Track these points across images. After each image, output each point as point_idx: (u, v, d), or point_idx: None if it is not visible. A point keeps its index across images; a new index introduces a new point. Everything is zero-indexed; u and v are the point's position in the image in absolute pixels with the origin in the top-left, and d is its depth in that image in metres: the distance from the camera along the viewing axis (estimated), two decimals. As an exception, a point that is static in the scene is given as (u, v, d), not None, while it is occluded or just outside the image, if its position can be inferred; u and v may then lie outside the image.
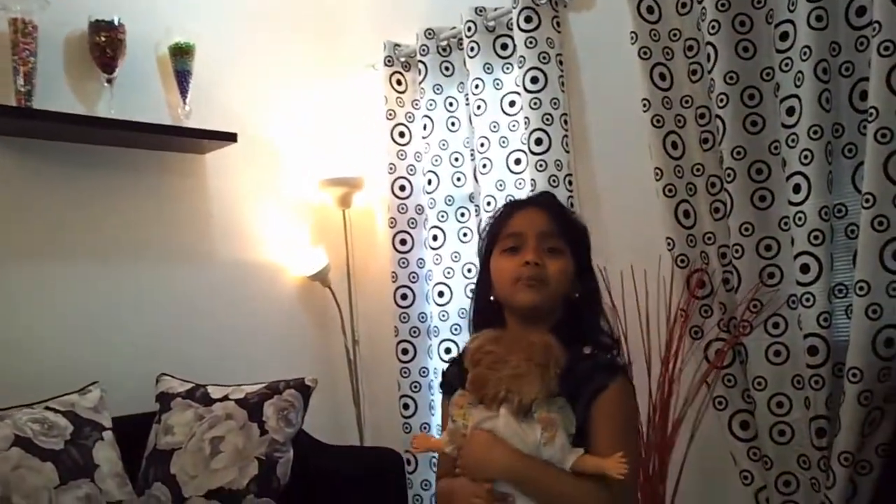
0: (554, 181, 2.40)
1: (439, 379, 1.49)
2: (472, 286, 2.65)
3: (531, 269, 1.28)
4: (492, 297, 1.37)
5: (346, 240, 2.97)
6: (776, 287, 2.02)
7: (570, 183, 2.41)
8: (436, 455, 2.13)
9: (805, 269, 1.90)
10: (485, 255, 1.44)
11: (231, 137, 2.66)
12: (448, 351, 2.73)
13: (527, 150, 2.45)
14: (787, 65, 1.95)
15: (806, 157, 1.89)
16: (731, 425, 2.07)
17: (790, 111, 1.94)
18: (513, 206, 1.46)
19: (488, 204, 2.57)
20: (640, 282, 2.21)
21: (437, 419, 2.75)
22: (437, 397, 2.73)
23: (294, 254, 2.92)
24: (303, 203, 2.99)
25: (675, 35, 2.17)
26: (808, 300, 1.89)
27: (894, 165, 1.76)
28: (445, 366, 1.53)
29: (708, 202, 2.14)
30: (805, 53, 1.88)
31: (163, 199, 2.65)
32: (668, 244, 2.16)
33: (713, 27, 2.02)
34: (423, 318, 2.79)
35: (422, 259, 2.80)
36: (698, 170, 2.16)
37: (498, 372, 1.17)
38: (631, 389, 1.23)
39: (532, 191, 2.42)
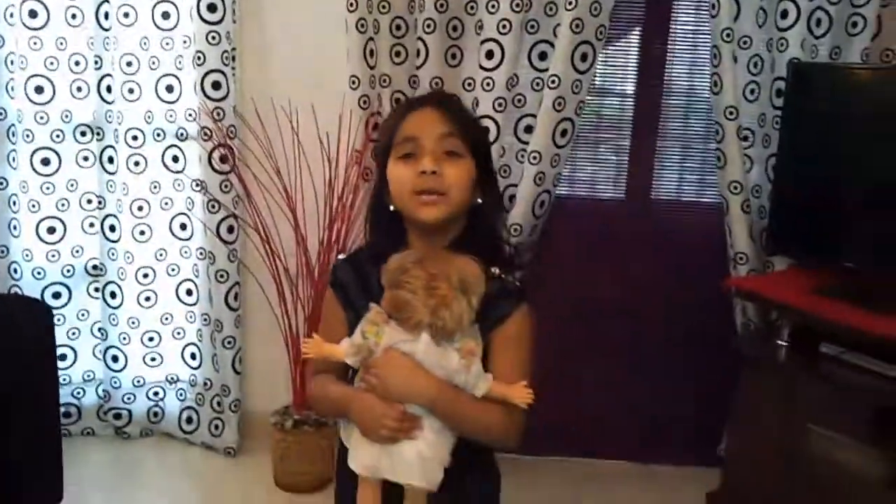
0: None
1: (329, 276, 1.30)
2: (138, 101, 2.21)
3: (428, 179, 1.19)
4: (392, 207, 1.25)
5: None
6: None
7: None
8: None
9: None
10: (381, 159, 1.28)
11: None
12: (46, 162, 2.23)
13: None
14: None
15: (504, 26, 2.02)
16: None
17: (500, -25, 2.01)
18: (406, 108, 1.29)
19: (126, -9, 2.09)
20: (320, 121, 2.14)
21: (22, 243, 2.27)
22: (25, 217, 2.28)
23: None
24: None
25: None
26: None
27: (579, 55, 2.01)
28: (337, 260, 1.37)
29: (390, 44, 2.12)
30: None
31: None
32: (353, 83, 2.10)
33: None
34: (1, 114, 2.17)
35: (4, 37, 2.13)
36: (384, 7, 2.10)
37: (421, 297, 1.12)
38: (532, 315, 1.24)
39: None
